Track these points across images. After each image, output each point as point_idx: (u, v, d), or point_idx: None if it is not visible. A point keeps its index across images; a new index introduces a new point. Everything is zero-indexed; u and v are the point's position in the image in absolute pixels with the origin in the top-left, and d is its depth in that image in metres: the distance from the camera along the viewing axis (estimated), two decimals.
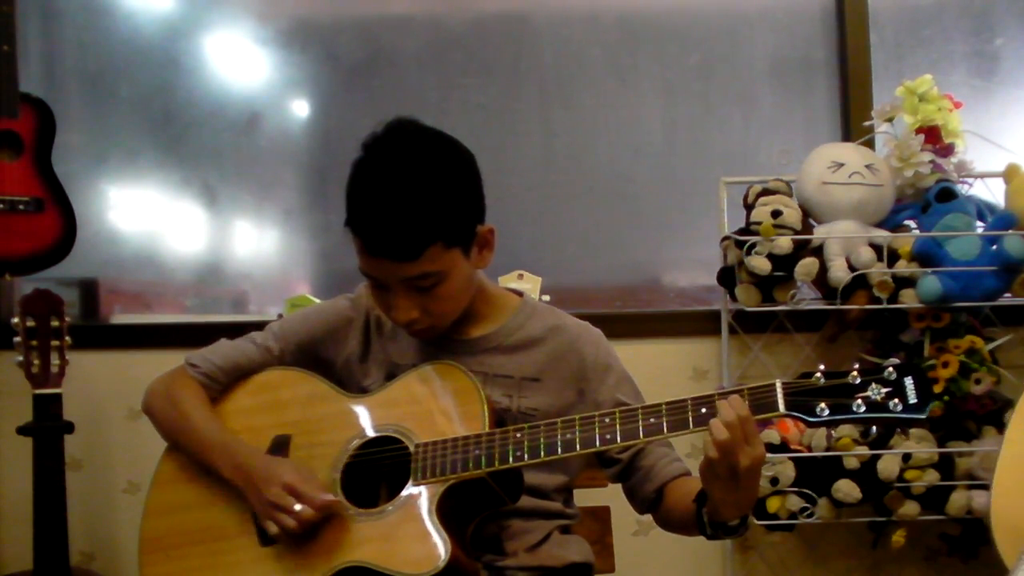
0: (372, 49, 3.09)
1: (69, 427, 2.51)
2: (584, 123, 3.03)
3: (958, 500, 2.45)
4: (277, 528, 1.55)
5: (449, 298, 1.59)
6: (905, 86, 2.57)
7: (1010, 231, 2.44)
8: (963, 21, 3.01)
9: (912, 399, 1.38)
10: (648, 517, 1.74)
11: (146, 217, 3.07)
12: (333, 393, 1.69)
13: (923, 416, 1.38)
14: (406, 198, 1.50)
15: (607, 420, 1.50)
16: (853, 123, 2.87)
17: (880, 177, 2.53)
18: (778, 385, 1.42)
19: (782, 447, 2.49)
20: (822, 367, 1.43)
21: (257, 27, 3.14)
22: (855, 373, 1.41)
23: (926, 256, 2.45)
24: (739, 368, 2.74)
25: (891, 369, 1.40)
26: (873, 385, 1.40)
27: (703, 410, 1.44)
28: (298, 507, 1.54)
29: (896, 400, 1.38)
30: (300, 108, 3.17)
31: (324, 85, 3.12)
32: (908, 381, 1.39)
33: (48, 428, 2.47)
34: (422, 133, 1.59)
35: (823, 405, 1.40)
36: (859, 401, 1.39)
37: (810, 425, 1.44)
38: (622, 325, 2.73)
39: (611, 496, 1.81)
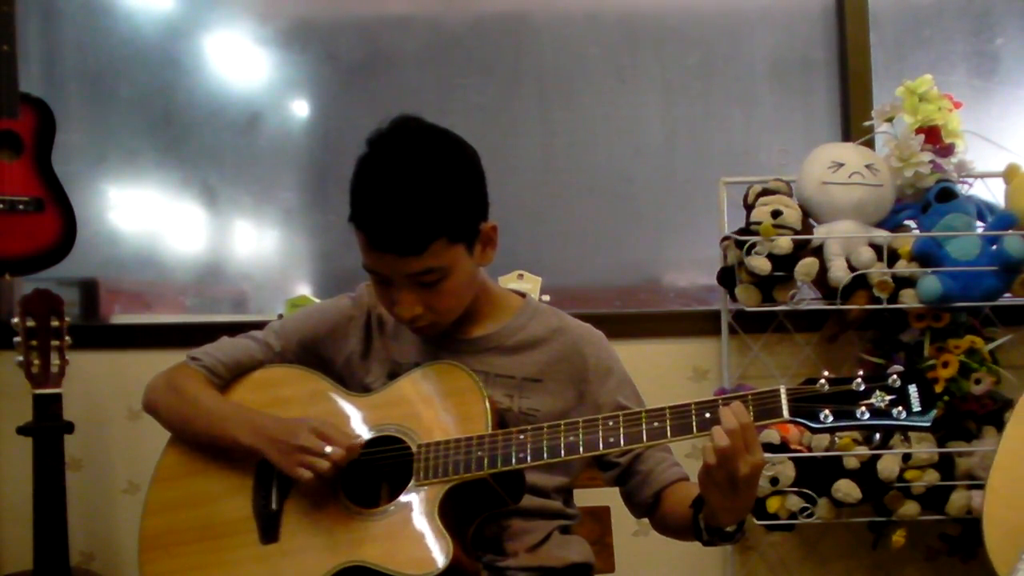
0: (372, 49, 3.09)
1: (69, 427, 2.51)
2: (584, 123, 3.04)
3: (958, 500, 2.45)
4: (310, 474, 1.54)
5: (452, 294, 1.59)
6: (905, 86, 2.57)
7: (1010, 231, 2.44)
8: (963, 21, 3.02)
9: (916, 407, 1.39)
10: None
11: (146, 217, 3.07)
12: (335, 391, 1.69)
13: (927, 423, 1.39)
14: (411, 192, 1.51)
15: (611, 423, 1.50)
16: (853, 123, 2.87)
17: (880, 177, 2.54)
18: (782, 391, 1.42)
19: (782, 447, 2.49)
20: (826, 373, 1.43)
21: (257, 27, 3.14)
22: (859, 380, 1.41)
23: (926, 256, 2.45)
24: (739, 368, 2.74)
25: (895, 376, 1.40)
26: (877, 392, 1.40)
27: (707, 415, 1.44)
28: (329, 448, 1.54)
29: (900, 408, 1.39)
30: (300, 108, 3.17)
31: (324, 85, 3.12)
32: (912, 389, 1.40)
33: (48, 428, 2.47)
34: (427, 130, 1.60)
35: (827, 412, 1.41)
36: (863, 408, 1.40)
37: (814, 432, 1.44)
38: (622, 325, 2.73)
39: (611, 496, 1.81)
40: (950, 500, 2.46)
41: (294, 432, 1.58)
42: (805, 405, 1.41)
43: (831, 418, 1.40)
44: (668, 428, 1.47)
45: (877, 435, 2.43)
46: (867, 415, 1.39)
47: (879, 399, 1.40)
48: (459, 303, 1.63)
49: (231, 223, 3.11)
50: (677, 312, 2.93)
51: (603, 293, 3.05)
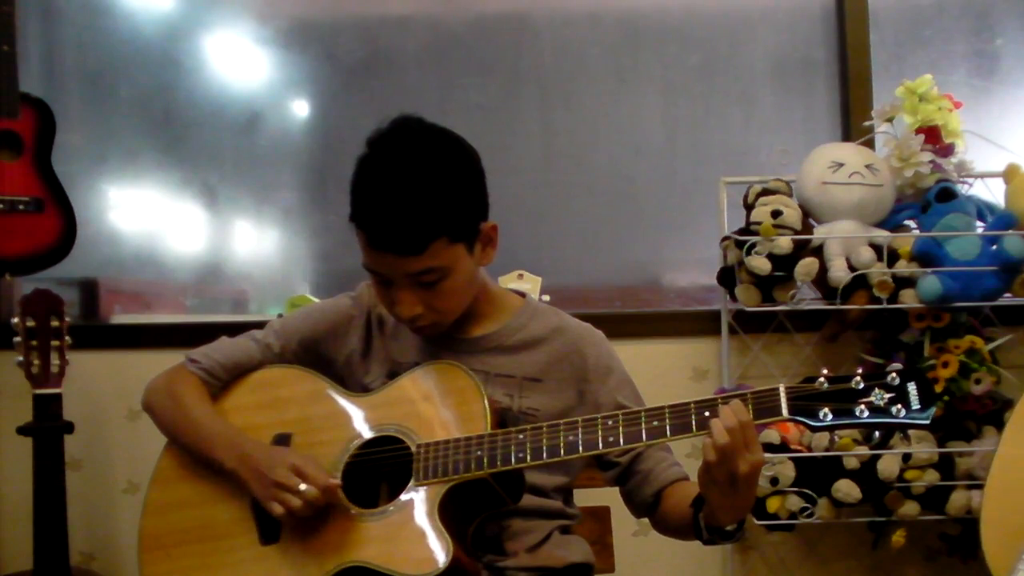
0: (372, 49, 3.09)
1: (69, 427, 2.51)
2: (584, 123, 3.03)
3: (958, 500, 2.45)
4: (282, 509, 1.54)
5: (453, 294, 1.59)
6: (905, 86, 2.57)
7: (1010, 231, 2.44)
8: (963, 21, 3.02)
9: (915, 405, 1.39)
10: None
11: (146, 217, 3.07)
12: (334, 391, 1.69)
13: (926, 422, 1.39)
14: (411, 192, 1.51)
15: (610, 423, 1.50)
16: (853, 123, 2.87)
17: (880, 177, 2.53)
18: (782, 390, 1.43)
19: (782, 447, 2.49)
20: (825, 371, 1.43)
21: (257, 27, 3.14)
22: (858, 378, 1.41)
23: (926, 256, 2.45)
24: (739, 368, 2.74)
25: (894, 375, 1.40)
26: (876, 390, 1.40)
27: (706, 413, 1.44)
28: (304, 487, 1.54)
29: (899, 406, 1.39)
30: (300, 108, 3.17)
31: (324, 85, 3.12)
32: (911, 387, 1.40)
33: (48, 428, 2.47)
34: (427, 129, 1.60)
35: (826, 410, 1.41)
36: (862, 406, 1.40)
37: (813, 430, 1.44)
38: (622, 325, 2.73)
39: (611, 496, 1.81)
40: (950, 500, 2.46)
41: (273, 465, 1.57)
42: (804, 403, 1.41)
43: (830, 416, 1.40)
44: (667, 427, 1.47)
45: (877, 433, 2.44)
46: (866, 413, 1.39)
47: (878, 397, 1.40)
48: (459, 303, 1.63)
49: (231, 223, 3.12)
50: (677, 312, 2.93)
51: (603, 293, 3.05)
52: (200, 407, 1.71)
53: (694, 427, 1.45)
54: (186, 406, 1.70)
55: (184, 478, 1.70)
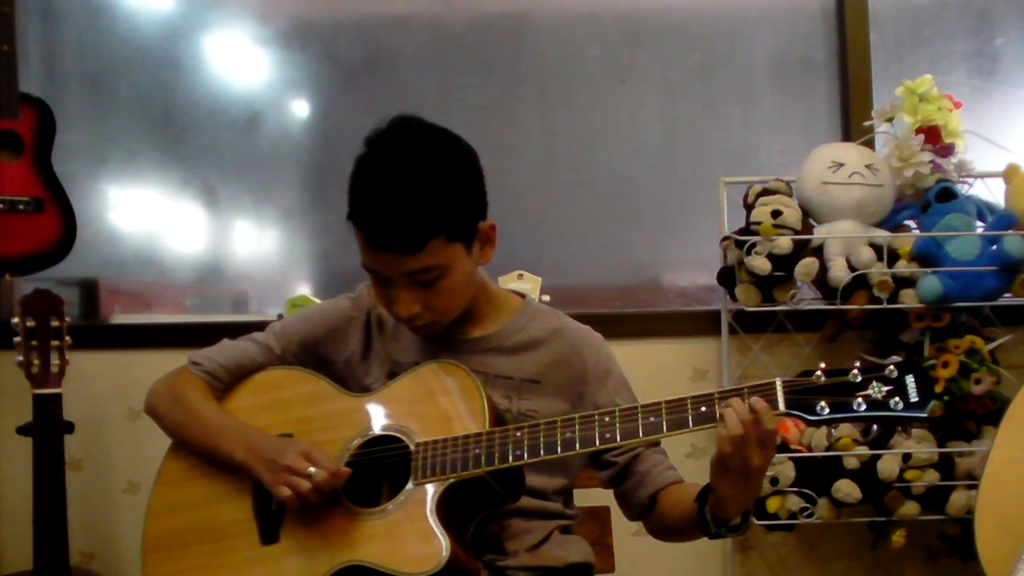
0: (372, 49, 3.09)
1: (69, 427, 2.51)
2: (584, 123, 3.03)
3: (958, 500, 2.45)
4: (291, 493, 1.54)
5: (451, 293, 1.59)
6: (905, 86, 2.57)
7: (1010, 231, 2.44)
8: (963, 21, 3.02)
9: (913, 397, 1.38)
10: None
11: (146, 217, 3.07)
12: (334, 392, 1.69)
13: (924, 415, 1.38)
14: (409, 191, 1.51)
15: (607, 419, 1.50)
16: (853, 123, 2.87)
17: (880, 177, 2.54)
18: (778, 384, 1.42)
19: (782, 447, 2.49)
20: (822, 365, 1.43)
21: (257, 27, 3.14)
22: (856, 371, 1.40)
23: (926, 256, 2.45)
24: (739, 368, 2.74)
25: (892, 367, 1.40)
26: (874, 383, 1.39)
27: (703, 409, 1.45)
28: (313, 470, 1.54)
29: (897, 398, 1.38)
30: (300, 108, 3.17)
31: (324, 85, 3.12)
32: (909, 379, 1.39)
33: (48, 428, 2.46)
34: (425, 128, 1.60)
35: (823, 404, 1.40)
36: (860, 399, 1.39)
37: (810, 424, 1.43)
38: (622, 325, 2.73)
39: (611, 496, 1.81)
40: (950, 500, 2.46)
41: (282, 451, 1.58)
42: (801, 397, 1.41)
43: (827, 410, 1.40)
44: (664, 423, 1.47)
45: (875, 427, 2.43)
46: (864, 406, 1.39)
47: (876, 390, 1.39)
48: (458, 302, 1.63)
49: (231, 223, 3.12)
50: (677, 312, 2.93)
51: (603, 293, 3.04)
52: (205, 405, 1.71)
53: (691, 423, 1.45)
54: (191, 405, 1.71)
55: (187, 480, 1.71)
